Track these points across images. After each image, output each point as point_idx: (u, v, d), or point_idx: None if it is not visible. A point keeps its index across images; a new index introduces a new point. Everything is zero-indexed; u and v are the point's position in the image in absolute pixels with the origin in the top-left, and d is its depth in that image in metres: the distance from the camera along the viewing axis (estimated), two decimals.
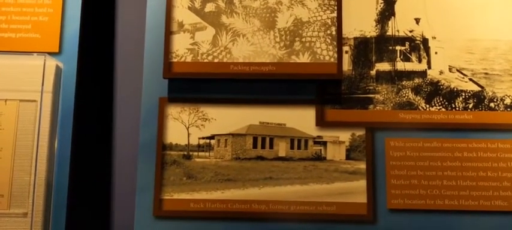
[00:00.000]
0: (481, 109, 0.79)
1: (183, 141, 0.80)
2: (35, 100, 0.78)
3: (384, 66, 0.82)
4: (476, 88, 0.80)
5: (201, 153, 0.80)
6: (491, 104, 0.80)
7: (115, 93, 0.86)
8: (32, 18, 0.84)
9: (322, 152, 0.80)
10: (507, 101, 0.80)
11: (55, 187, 0.78)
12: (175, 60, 0.80)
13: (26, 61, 0.79)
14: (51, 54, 0.82)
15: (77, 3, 0.84)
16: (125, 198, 0.82)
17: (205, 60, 0.80)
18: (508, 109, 0.79)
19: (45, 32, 0.83)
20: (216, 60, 0.80)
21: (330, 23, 0.80)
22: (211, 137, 0.81)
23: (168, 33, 0.80)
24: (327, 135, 0.80)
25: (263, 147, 0.80)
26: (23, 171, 0.76)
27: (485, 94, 0.80)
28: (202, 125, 0.81)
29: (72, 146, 0.80)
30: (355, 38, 0.82)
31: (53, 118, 0.79)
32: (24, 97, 0.78)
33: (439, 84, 0.81)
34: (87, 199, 0.82)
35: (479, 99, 0.80)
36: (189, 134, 0.81)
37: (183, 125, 0.81)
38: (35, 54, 0.80)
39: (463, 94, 0.80)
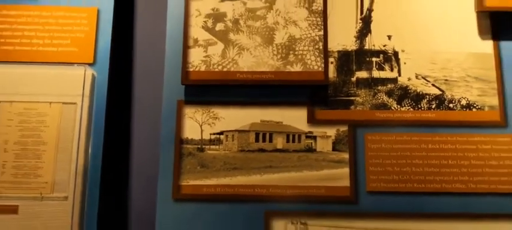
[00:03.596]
0: (442, 109, 0.97)
1: (197, 136, 0.96)
2: (75, 103, 0.94)
3: (362, 74, 0.99)
4: (438, 92, 0.98)
5: (212, 146, 0.96)
6: (450, 105, 0.97)
7: (140, 96, 1.02)
8: (71, 35, 1.00)
9: (313, 145, 0.96)
10: (463, 102, 0.97)
11: (90, 175, 0.93)
12: (191, 69, 0.96)
13: (68, 70, 0.95)
14: (85, 64, 0.98)
15: (108, 22, 1.01)
16: (148, 184, 0.97)
17: (216, 70, 0.97)
18: (464, 109, 0.97)
19: (82, 46, 1.00)
20: (224, 70, 0.96)
21: (317, 39, 0.97)
22: (221, 133, 0.97)
23: (186, 48, 0.97)
24: (317, 130, 0.97)
25: (264, 141, 0.97)
26: (64, 162, 0.92)
27: (445, 97, 0.98)
28: (213, 123, 0.97)
29: (103, 141, 0.95)
30: (338, 51, 1.00)
31: (89, 118, 0.95)
32: (66, 100, 0.94)
33: (408, 88, 0.98)
34: (116, 185, 0.98)
35: (440, 101, 0.97)
36: (202, 130, 0.97)
37: (197, 123, 0.97)
38: (76, 65, 0.96)
39: (427, 97, 0.98)
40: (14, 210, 0.89)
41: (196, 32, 0.98)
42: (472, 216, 0.90)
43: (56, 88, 0.94)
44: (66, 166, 0.91)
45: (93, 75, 0.97)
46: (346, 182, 0.93)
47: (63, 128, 0.93)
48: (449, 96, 0.97)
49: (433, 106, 0.97)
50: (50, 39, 1.00)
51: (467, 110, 0.97)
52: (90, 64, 0.98)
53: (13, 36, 1.00)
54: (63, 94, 0.94)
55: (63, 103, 0.94)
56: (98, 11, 1.01)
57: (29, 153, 0.91)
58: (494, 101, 0.96)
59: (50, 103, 0.94)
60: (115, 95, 1.00)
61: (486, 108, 0.96)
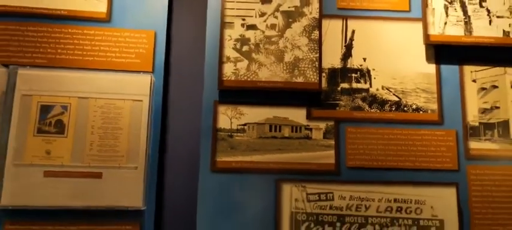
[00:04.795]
0: (399, 111, 1.39)
1: (227, 126, 1.35)
2: (141, 100, 1.31)
3: (345, 85, 1.40)
4: (396, 99, 1.40)
5: (238, 134, 1.35)
6: (405, 108, 1.39)
7: (186, 97, 1.39)
8: (135, 50, 1.37)
9: (310, 134, 1.36)
10: (414, 107, 1.39)
11: (150, 152, 1.29)
12: (224, 78, 1.35)
13: (136, 77, 1.32)
14: (146, 72, 1.35)
15: (162, 42, 1.38)
16: (193, 160, 1.34)
17: (242, 79, 1.35)
18: (414, 112, 1.39)
19: (143, 59, 1.36)
20: (248, 79, 1.35)
21: (314, 59, 1.38)
22: (245, 124, 1.35)
23: (221, 63, 1.35)
24: (312, 124, 1.37)
25: (275, 130, 1.36)
26: (134, 142, 1.28)
27: (401, 103, 1.40)
28: (239, 117, 1.36)
29: (160, 128, 1.32)
30: (328, 68, 1.41)
31: (150, 111, 1.31)
32: (135, 98, 1.30)
33: (376, 96, 1.40)
34: (168, 161, 1.35)
35: (398, 106, 1.39)
36: (231, 122, 1.35)
37: (228, 117, 1.35)
38: (141, 73, 1.33)
39: (389, 102, 1.39)
40: (98, 175, 1.25)
41: (228, 51, 1.37)
42: (417, 183, 1.32)
43: (128, 89, 1.31)
44: (135, 145, 1.28)
45: (152, 80, 1.33)
46: (332, 160, 1.34)
47: (133, 118, 1.29)
48: (404, 102, 1.40)
49: (393, 109, 1.39)
50: (120, 53, 1.36)
51: (416, 112, 1.39)
52: (149, 72, 1.35)
53: (92, 50, 1.35)
54: (133, 93, 1.31)
55: (133, 100, 1.30)
56: (155, 33, 1.38)
57: (109, 135, 1.27)
58: (435, 106, 1.39)
59: (124, 100, 1.30)
60: (168, 95, 1.37)
61: (429, 111, 1.39)
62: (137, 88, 1.32)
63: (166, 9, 1.41)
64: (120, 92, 1.31)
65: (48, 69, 1.31)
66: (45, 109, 1.27)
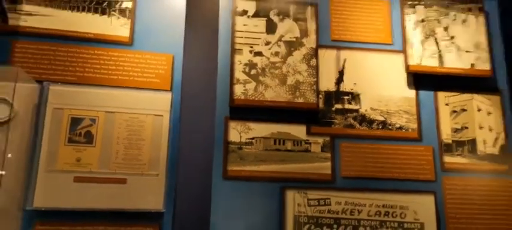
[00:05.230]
0: (385, 130, 1.61)
1: (237, 140, 1.52)
2: (162, 115, 1.47)
3: (338, 106, 1.61)
4: (383, 119, 1.62)
5: (247, 146, 1.52)
6: (390, 127, 1.62)
7: (200, 113, 1.56)
8: (155, 71, 1.54)
9: (309, 148, 1.56)
10: (397, 125, 1.62)
11: (170, 161, 1.44)
12: (235, 97, 1.53)
13: (158, 94, 1.48)
14: (166, 90, 1.52)
15: (180, 64, 1.55)
16: (207, 169, 1.50)
17: (251, 98, 1.54)
18: (398, 130, 1.61)
19: (163, 79, 1.53)
20: (256, 99, 1.54)
21: (313, 83, 1.59)
22: (252, 138, 1.53)
23: (232, 84, 1.54)
24: (312, 139, 1.56)
25: (279, 144, 1.54)
26: (156, 152, 1.43)
27: (387, 122, 1.62)
28: (247, 132, 1.54)
29: (178, 140, 1.48)
30: (325, 91, 1.62)
31: (169, 125, 1.47)
32: (157, 113, 1.46)
33: (365, 116, 1.62)
34: (186, 169, 1.50)
35: (384, 124, 1.62)
36: (240, 136, 1.53)
37: (237, 131, 1.53)
38: (161, 91, 1.50)
39: (376, 121, 1.61)
40: (123, 181, 1.39)
41: (239, 74, 1.56)
42: (401, 191, 1.53)
43: (150, 105, 1.47)
44: (157, 155, 1.43)
45: (171, 97, 1.50)
46: (329, 171, 1.53)
47: (154, 130, 1.45)
48: (389, 122, 1.62)
49: (380, 127, 1.61)
50: (142, 73, 1.52)
51: (399, 130, 1.62)
52: (167, 91, 1.52)
53: (117, 69, 1.51)
54: (155, 109, 1.47)
55: (155, 115, 1.46)
56: (173, 57, 1.56)
57: (133, 145, 1.42)
58: (415, 126, 1.62)
59: (146, 114, 1.46)
60: (185, 111, 1.54)
61: (410, 130, 1.62)
62: (158, 105, 1.48)
63: (183, 35, 1.59)
64: (143, 107, 1.46)
65: (77, 85, 1.46)
66: (75, 121, 1.41)
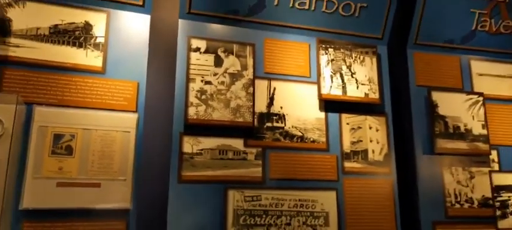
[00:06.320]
0: (303, 142, 2.13)
1: (190, 151, 1.94)
2: (129, 132, 1.84)
3: (269, 124, 2.10)
4: (301, 134, 2.15)
5: (197, 156, 1.95)
6: (306, 140, 2.14)
7: (160, 130, 1.95)
8: (123, 95, 1.90)
9: (246, 156, 2.02)
10: (311, 139, 2.15)
11: (135, 168, 1.82)
12: (189, 117, 1.95)
13: (126, 115, 1.85)
14: (132, 111, 1.89)
15: (143, 89, 1.93)
16: (164, 173, 1.89)
17: (202, 118, 1.97)
18: (312, 143, 2.15)
19: (129, 101, 1.90)
20: (205, 119, 1.97)
21: (250, 106, 2.05)
22: (202, 150, 1.96)
23: (187, 106, 1.96)
24: (248, 150, 2.03)
25: (223, 154, 1.99)
26: (124, 161, 1.80)
27: (304, 136, 2.15)
28: (198, 144, 1.96)
29: (142, 151, 1.86)
30: (259, 112, 2.09)
31: (135, 140, 1.85)
32: (124, 130, 1.83)
33: (288, 132, 2.13)
34: (148, 174, 1.88)
35: (302, 138, 2.14)
36: (192, 148, 1.95)
37: (190, 144, 1.95)
38: (129, 112, 1.86)
39: (296, 136, 2.13)
40: (98, 185, 1.74)
41: (192, 99, 1.98)
42: (312, 188, 2.06)
43: (119, 123, 1.83)
44: (125, 163, 1.80)
45: (137, 117, 1.88)
46: (260, 174, 2.01)
47: (123, 144, 1.82)
48: (306, 136, 2.15)
49: (299, 141, 2.13)
50: (112, 96, 1.88)
51: (313, 143, 2.15)
52: (133, 112, 1.89)
53: (91, 94, 1.85)
54: (123, 126, 1.83)
55: (123, 131, 1.83)
56: (138, 83, 1.93)
57: (106, 156, 1.78)
58: (324, 139, 2.17)
59: (117, 131, 1.82)
60: (147, 128, 1.92)
61: (320, 142, 2.16)
62: (126, 123, 1.85)
63: (146, 65, 1.97)
64: (114, 125, 1.83)
65: (58, 107, 1.77)
66: (57, 137, 1.73)
